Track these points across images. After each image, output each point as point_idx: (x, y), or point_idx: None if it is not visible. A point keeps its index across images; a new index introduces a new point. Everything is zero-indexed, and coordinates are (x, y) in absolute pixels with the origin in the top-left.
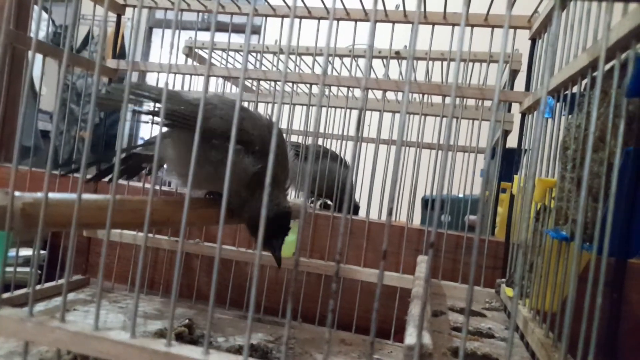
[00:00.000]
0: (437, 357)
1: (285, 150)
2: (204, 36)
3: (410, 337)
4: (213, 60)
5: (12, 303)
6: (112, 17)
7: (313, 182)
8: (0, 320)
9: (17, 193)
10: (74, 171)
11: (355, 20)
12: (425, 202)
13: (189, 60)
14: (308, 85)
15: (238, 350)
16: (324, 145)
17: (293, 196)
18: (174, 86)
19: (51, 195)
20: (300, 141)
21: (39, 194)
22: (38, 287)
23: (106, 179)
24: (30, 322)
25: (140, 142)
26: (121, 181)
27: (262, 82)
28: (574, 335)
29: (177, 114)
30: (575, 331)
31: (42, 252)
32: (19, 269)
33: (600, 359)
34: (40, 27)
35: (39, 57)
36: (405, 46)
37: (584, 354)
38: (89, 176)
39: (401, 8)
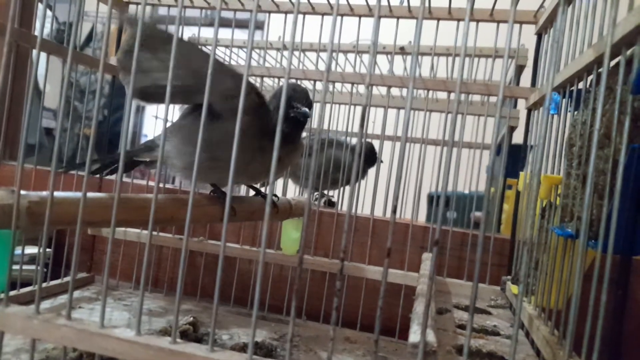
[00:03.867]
0: (441, 354)
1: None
2: (207, 32)
3: (415, 335)
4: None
5: (19, 301)
6: (116, 14)
7: (318, 171)
8: (8, 318)
9: (23, 192)
10: (78, 167)
11: (359, 16)
12: (431, 198)
13: None
14: (312, 82)
15: (242, 348)
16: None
17: (297, 193)
18: None
19: (56, 193)
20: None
21: (45, 193)
22: (44, 285)
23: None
24: (37, 319)
25: (143, 139)
26: (125, 178)
27: (265, 79)
28: (579, 332)
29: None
30: (580, 328)
31: (47, 250)
32: (24, 267)
33: (605, 355)
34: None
35: (42, 54)
36: (410, 42)
37: (589, 351)
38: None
39: (405, 3)
